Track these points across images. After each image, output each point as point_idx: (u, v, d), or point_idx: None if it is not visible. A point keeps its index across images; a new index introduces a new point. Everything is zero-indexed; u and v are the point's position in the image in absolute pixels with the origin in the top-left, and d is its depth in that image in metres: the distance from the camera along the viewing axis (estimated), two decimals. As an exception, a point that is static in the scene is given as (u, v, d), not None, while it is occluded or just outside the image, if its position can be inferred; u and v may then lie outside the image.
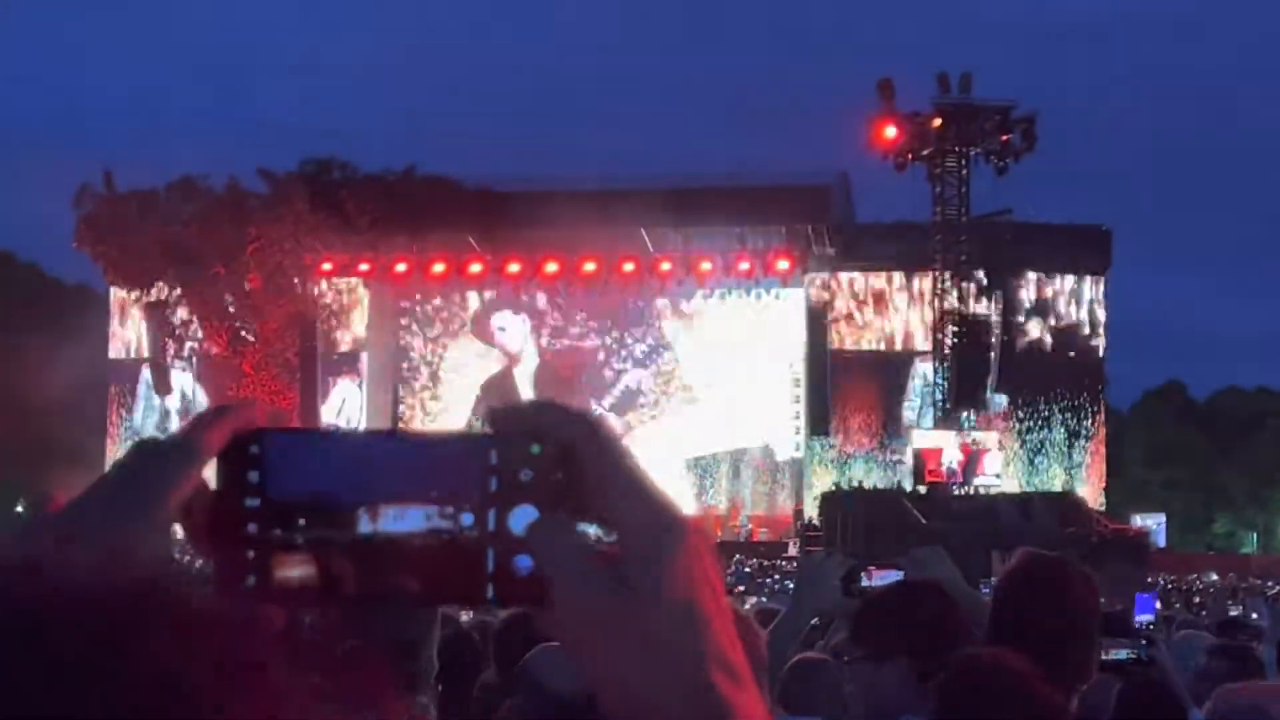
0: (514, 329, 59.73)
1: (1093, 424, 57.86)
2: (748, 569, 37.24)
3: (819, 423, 55.67)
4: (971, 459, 50.73)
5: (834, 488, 52.05)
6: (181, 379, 60.15)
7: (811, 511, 52.05)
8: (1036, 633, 3.71)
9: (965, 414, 52.28)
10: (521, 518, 1.03)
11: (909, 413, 56.27)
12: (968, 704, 3.37)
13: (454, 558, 1.02)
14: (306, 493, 1.02)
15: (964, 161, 51.37)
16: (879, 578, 4.62)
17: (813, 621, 7.42)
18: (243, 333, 57.15)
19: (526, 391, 58.58)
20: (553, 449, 1.03)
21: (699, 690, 0.98)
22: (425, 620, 3.41)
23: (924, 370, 54.77)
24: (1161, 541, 58.30)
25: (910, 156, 51.25)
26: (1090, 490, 55.95)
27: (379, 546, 1.01)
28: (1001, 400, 54.54)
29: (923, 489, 49.51)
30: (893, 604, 4.20)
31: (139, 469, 1.04)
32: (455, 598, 1.08)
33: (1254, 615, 20.32)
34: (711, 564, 1.03)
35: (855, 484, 52.60)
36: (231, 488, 1.03)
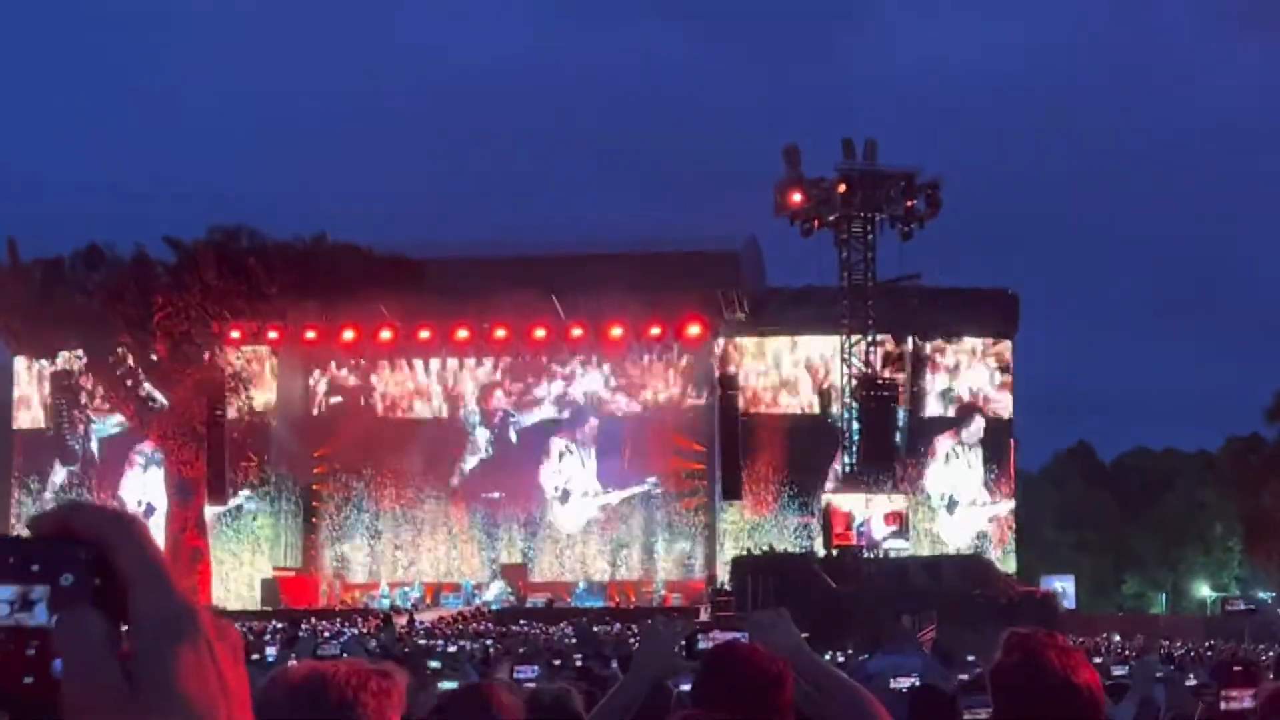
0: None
1: (1002, 486, 58.29)
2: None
3: (731, 487, 55.71)
4: (873, 521, 50.97)
5: (745, 552, 52.09)
6: (88, 448, 59.41)
7: (724, 577, 52.04)
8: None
9: (875, 477, 52.54)
10: None
11: (821, 476, 56.41)
12: None
13: None
14: None
15: (869, 227, 51.88)
16: (719, 641, 4.68)
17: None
18: (150, 401, 56.63)
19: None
20: (91, 551, 1.05)
21: None
22: None
23: (833, 434, 55.00)
24: (1071, 603, 58.64)
25: (817, 222, 51.71)
26: (1000, 552, 56.30)
27: None
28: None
29: (834, 552, 49.66)
30: (715, 663, 4.36)
31: None
32: None
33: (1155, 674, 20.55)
34: (224, 658, 1.04)
35: (766, 548, 52.68)
36: None
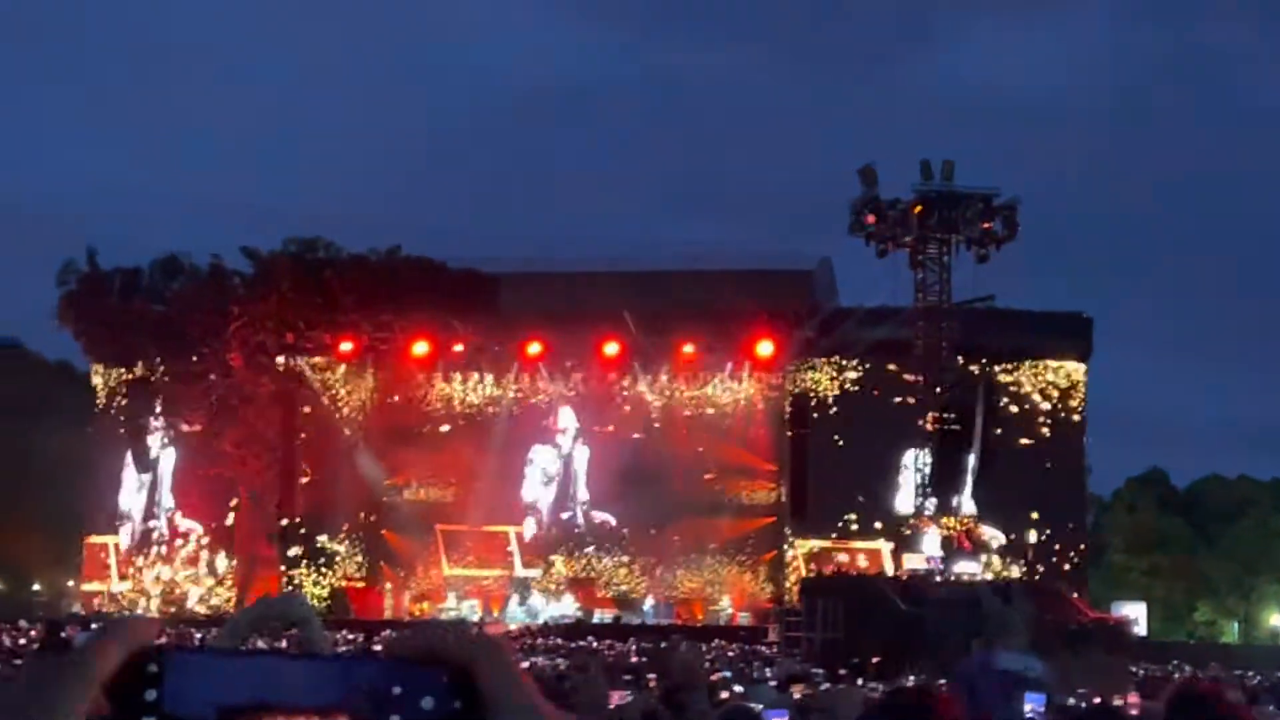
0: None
1: (1074, 511, 57.75)
2: (730, 653, 37.13)
3: (799, 508, 55.48)
4: (949, 545, 50.58)
5: (815, 574, 51.82)
6: (162, 456, 59.84)
7: (792, 597, 51.81)
8: None
9: (947, 500, 52.14)
10: None
11: (892, 499, 56.06)
12: None
13: None
14: (206, 714, 1.02)
15: (945, 248, 51.43)
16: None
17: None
18: (224, 411, 56.97)
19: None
20: (453, 674, 1.04)
21: None
22: None
23: (906, 457, 54.62)
24: (1142, 630, 57.95)
25: (892, 243, 51.32)
26: (1071, 577, 55.75)
27: None
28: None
29: (904, 575, 49.32)
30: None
31: (39, 685, 1.02)
32: None
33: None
34: None
35: (836, 570, 52.38)
36: (126, 708, 1.02)
